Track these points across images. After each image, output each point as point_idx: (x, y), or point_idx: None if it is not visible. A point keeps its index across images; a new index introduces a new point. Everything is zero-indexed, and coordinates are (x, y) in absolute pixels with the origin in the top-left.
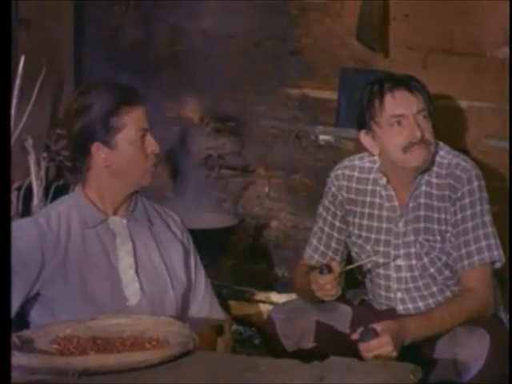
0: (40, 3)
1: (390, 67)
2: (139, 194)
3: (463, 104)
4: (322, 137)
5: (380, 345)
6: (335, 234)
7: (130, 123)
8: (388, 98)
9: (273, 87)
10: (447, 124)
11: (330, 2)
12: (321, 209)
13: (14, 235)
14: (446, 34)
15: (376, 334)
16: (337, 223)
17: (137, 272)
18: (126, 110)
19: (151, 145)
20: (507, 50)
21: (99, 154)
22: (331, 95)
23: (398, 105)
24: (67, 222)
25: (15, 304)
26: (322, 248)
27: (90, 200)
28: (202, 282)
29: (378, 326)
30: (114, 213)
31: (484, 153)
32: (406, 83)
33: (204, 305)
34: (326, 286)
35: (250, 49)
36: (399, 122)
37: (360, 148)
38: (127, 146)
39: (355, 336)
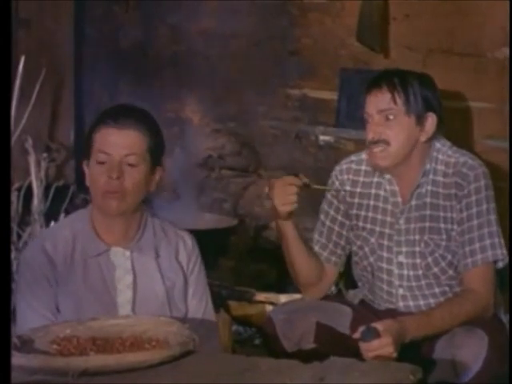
0: (40, 3)
1: (389, 67)
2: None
3: (463, 104)
4: (322, 137)
5: (381, 345)
6: (337, 228)
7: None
8: (371, 93)
9: (273, 87)
10: (447, 124)
11: (330, 2)
12: (323, 203)
13: (25, 264)
14: (446, 34)
15: (377, 334)
16: (339, 217)
17: (133, 308)
18: None
19: None
20: (507, 50)
21: None
22: (331, 95)
23: (369, 101)
24: (71, 248)
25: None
26: (323, 240)
27: (94, 228)
28: (199, 312)
29: (379, 326)
30: (120, 239)
31: (484, 153)
32: (387, 80)
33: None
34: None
35: (250, 49)
36: (368, 120)
37: (360, 148)
38: None
39: (357, 335)
